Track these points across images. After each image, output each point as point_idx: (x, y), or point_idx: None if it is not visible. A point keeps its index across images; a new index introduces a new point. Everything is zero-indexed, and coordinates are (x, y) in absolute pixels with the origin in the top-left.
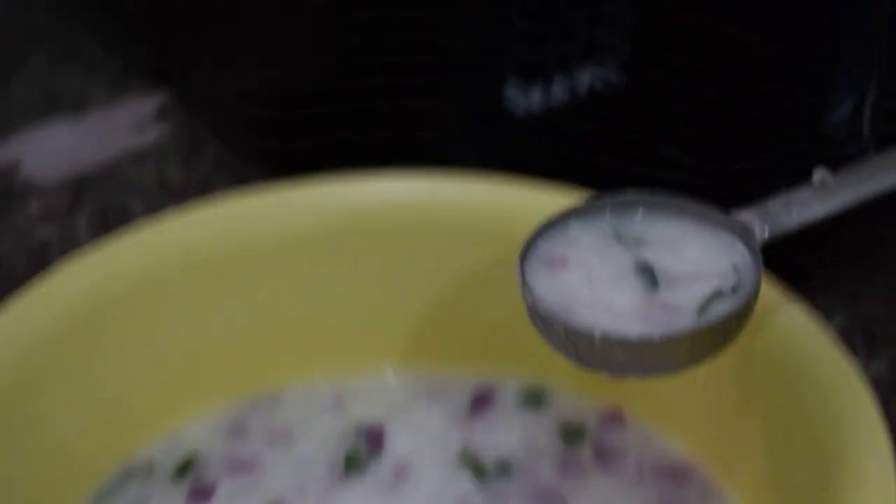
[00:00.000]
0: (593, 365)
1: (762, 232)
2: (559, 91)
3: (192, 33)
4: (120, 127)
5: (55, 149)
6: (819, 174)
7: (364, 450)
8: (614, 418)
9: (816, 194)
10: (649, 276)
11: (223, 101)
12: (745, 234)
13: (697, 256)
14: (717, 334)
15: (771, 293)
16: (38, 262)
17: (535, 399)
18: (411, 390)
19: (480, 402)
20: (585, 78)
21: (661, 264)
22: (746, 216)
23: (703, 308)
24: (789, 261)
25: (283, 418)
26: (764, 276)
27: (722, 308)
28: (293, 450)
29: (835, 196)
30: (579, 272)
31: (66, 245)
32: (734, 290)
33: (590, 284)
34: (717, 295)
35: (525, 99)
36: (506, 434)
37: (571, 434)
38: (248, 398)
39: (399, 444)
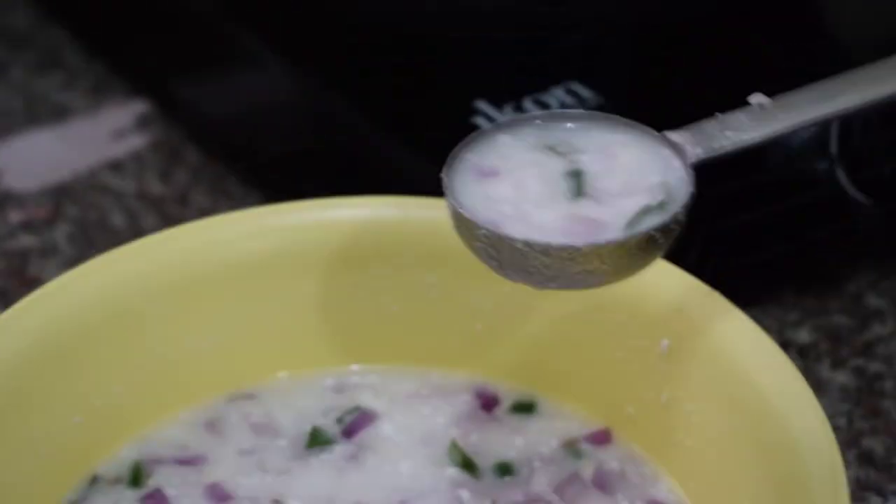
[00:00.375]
0: (516, 276)
1: (695, 151)
2: (531, 108)
3: (176, 41)
4: (100, 136)
5: (36, 158)
6: (756, 98)
7: (339, 429)
8: (604, 439)
9: (752, 118)
10: (579, 182)
11: (205, 108)
12: (677, 151)
13: (629, 166)
14: (642, 248)
15: (721, 307)
16: (17, 271)
17: (529, 408)
18: (409, 387)
19: (485, 405)
20: (557, 96)
21: (593, 171)
22: (679, 136)
23: (631, 223)
24: (756, 272)
25: (275, 406)
26: (709, 291)
27: (649, 222)
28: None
29: (770, 121)
30: (509, 183)
31: (46, 254)
32: (662, 205)
33: (518, 195)
34: (646, 210)
35: (496, 115)
36: (505, 439)
37: (572, 452)
38: (236, 393)
39: (386, 428)
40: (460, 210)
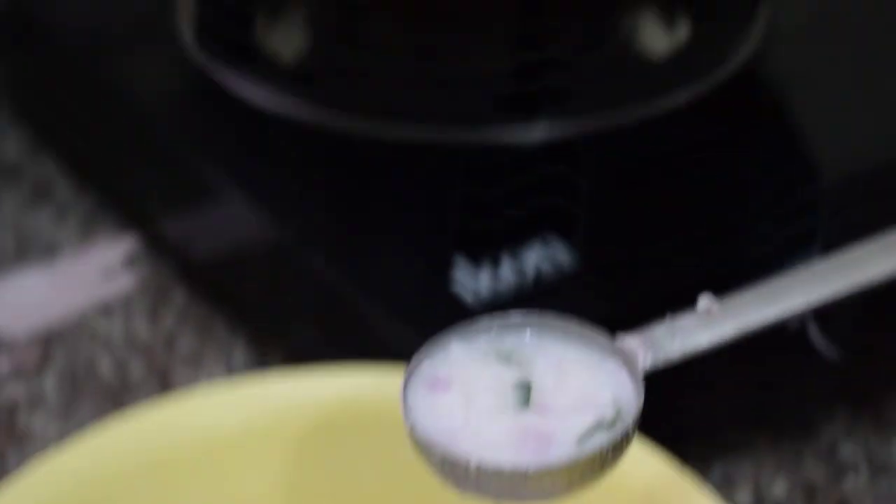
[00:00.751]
0: (471, 492)
1: (645, 360)
2: (508, 274)
3: (161, 178)
4: (89, 275)
5: (25, 300)
6: (704, 302)
7: None
8: None
9: (701, 322)
10: (528, 396)
11: (191, 248)
12: (628, 361)
13: (580, 381)
14: (593, 465)
15: (690, 492)
16: (6, 424)
17: None
18: None
19: None
20: (533, 259)
21: (544, 385)
22: (630, 343)
23: (581, 440)
24: (730, 420)
25: None
26: (679, 472)
27: (599, 440)
28: None
29: (720, 325)
30: (459, 395)
31: (34, 405)
32: (613, 422)
33: (468, 408)
34: (597, 427)
35: (473, 283)
36: None
37: None
38: None
39: None
40: (414, 433)
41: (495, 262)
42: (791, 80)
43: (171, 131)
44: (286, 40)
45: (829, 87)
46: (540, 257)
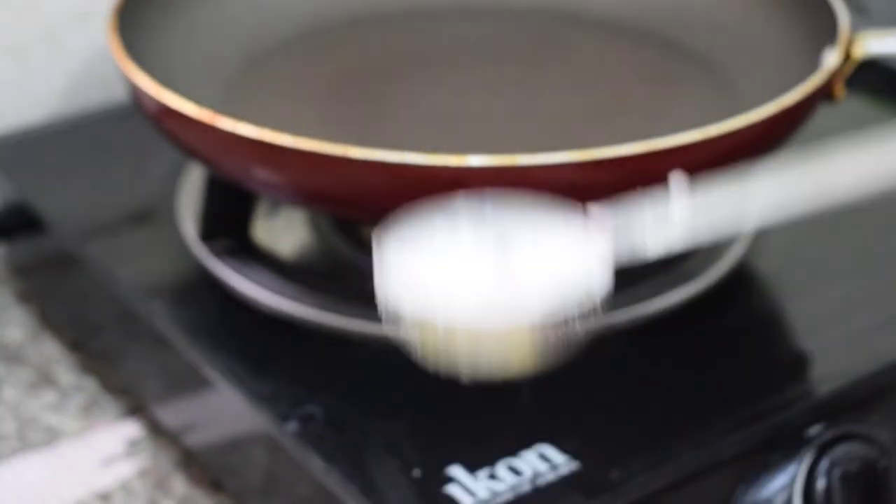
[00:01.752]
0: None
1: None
2: (504, 477)
3: (157, 367)
4: (89, 463)
5: (25, 488)
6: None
7: None
8: None
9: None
10: (506, 252)
11: (188, 436)
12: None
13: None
14: (557, 331)
15: None
16: None
17: None
18: None
19: None
20: (529, 461)
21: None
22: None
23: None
24: None
25: None
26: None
27: (567, 306)
28: None
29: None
30: (434, 257)
31: None
32: (582, 294)
33: (444, 269)
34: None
35: (469, 487)
36: None
37: None
38: None
39: None
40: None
41: (492, 467)
42: (782, 278)
43: (169, 323)
44: (285, 239)
45: (819, 286)
46: (536, 461)
